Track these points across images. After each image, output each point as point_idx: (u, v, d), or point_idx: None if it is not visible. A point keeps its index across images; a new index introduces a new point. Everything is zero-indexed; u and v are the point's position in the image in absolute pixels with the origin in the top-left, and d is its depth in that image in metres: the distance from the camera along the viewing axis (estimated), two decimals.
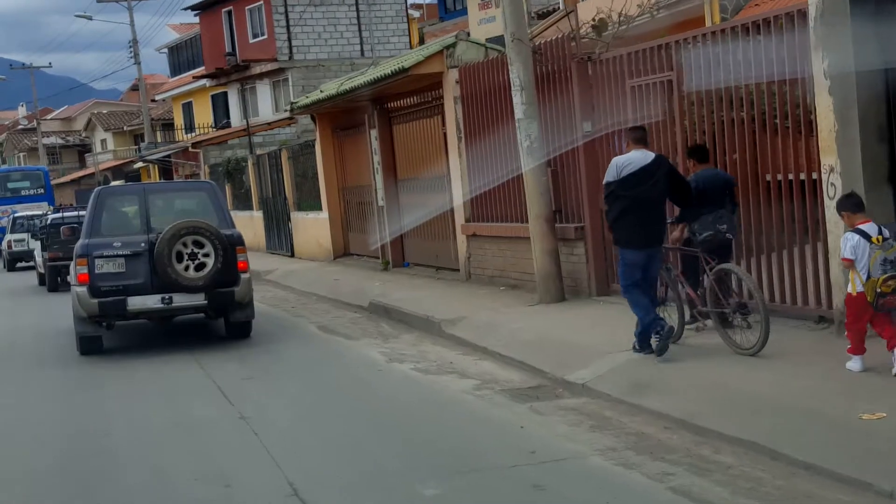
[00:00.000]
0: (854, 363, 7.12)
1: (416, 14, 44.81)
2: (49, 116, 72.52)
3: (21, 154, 68.36)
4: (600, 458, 6.25)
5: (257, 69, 37.69)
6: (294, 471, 6.46)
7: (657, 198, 8.44)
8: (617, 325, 9.56)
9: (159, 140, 46.92)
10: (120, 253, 11.36)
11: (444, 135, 15.14)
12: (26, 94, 67.44)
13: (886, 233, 7.06)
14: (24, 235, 27.29)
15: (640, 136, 8.63)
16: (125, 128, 59.21)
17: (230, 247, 11.47)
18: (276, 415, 8.24)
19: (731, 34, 9.32)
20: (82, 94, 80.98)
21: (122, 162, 54.36)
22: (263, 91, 38.64)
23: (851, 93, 7.97)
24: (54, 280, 20.65)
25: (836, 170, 8.00)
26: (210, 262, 11.35)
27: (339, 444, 7.13)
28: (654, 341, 8.33)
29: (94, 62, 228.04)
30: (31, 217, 27.58)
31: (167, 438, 7.66)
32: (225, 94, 41.82)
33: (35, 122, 62.54)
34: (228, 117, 41.04)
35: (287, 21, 36.66)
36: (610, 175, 8.50)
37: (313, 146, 21.38)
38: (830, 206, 7.96)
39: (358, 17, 37.68)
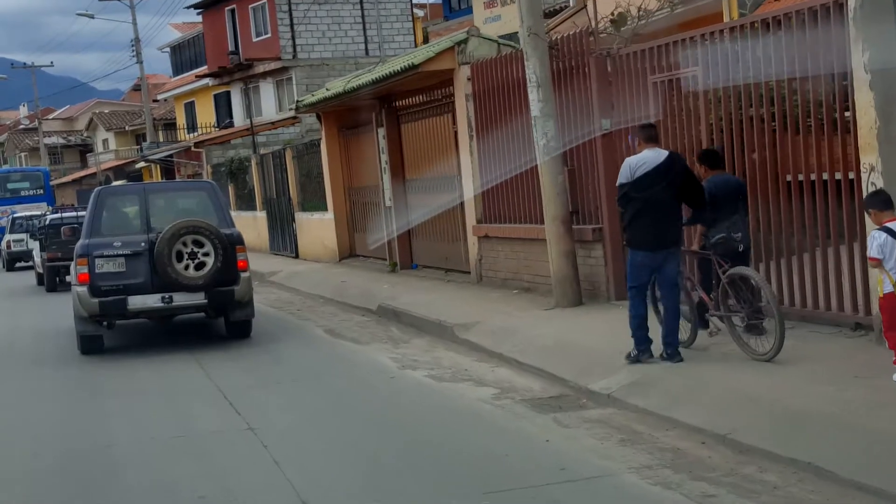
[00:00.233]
0: None
1: (420, 13, 44.39)
2: (51, 116, 72.18)
3: (22, 154, 68.06)
4: (635, 476, 5.82)
5: (261, 68, 37.28)
6: (306, 486, 6.04)
7: (672, 198, 8.15)
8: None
9: (161, 140, 46.50)
10: (120, 252, 11.35)
11: (455, 133, 14.72)
12: (27, 94, 67.17)
13: None
14: (23, 236, 27.48)
15: (651, 135, 8.33)
16: (127, 127, 58.85)
17: (230, 246, 11.46)
18: (284, 425, 7.82)
19: (762, 27, 8.91)
20: (84, 94, 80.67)
21: (123, 162, 54.03)
22: (267, 90, 38.23)
23: (894, 88, 7.55)
24: (53, 280, 20.75)
25: (876, 168, 7.57)
26: (210, 261, 11.34)
27: (353, 459, 6.70)
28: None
29: (95, 62, 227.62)
30: (30, 217, 27.81)
31: (172, 454, 7.22)
32: (228, 94, 41.42)
33: (36, 122, 62.14)
34: (231, 117, 40.64)
35: (291, 19, 36.25)
36: (623, 176, 8.21)
37: (318, 145, 20.96)
38: None
39: (363, 16, 37.27)
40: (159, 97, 52.85)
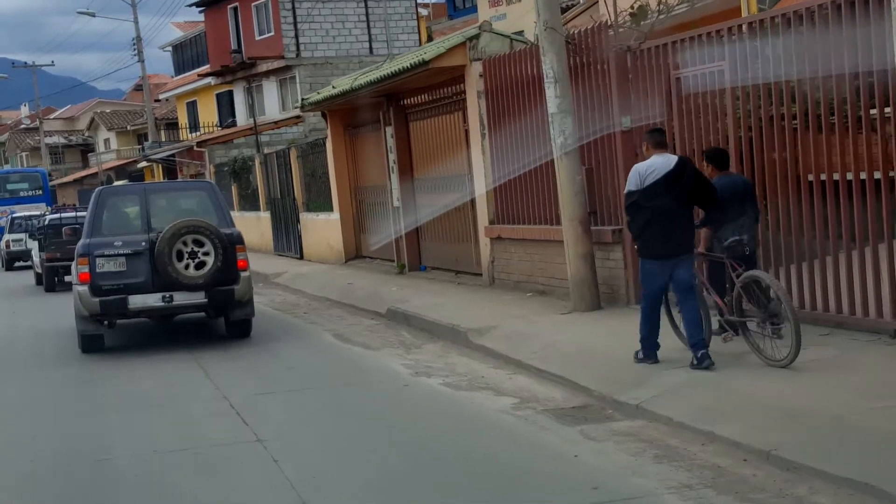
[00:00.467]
0: None
1: (423, 12, 44.00)
2: (52, 116, 71.82)
3: (24, 154, 67.71)
4: (676, 497, 5.39)
5: (264, 67, 36.86)
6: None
7: (683, 205, 7.89)
8: (664, 336, 8.66)
9: (163, 139, 46.10)
10: (121, 252, 11.40)
11: (466, 132, 14.30)
12: (28, 94, 66.77)
13: None
14: (22, 235, 27.69)
15: (659, 140, 8.08)
16: (128, 127, 58.48)
17: (230, 245, 11.51)
18: (295, 437, 7.40)
19: (794, 19, 8.49)
20: (85, 94, 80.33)
21: (125, 161, 53.71)
22: (270, 89, 37.81)
23: None
24: (51, 280, 20.81)
25: None
26: (210, 260, 11.38)
27: (368, 476, 6.25)
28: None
29: (95, 62, 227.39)
30: (29, 217, 28.11)
31: (178, 471, 6.82)
32: (230, 93, 41.01)
33: (38, 122, 61.74)
34: (234, 116, 40.22)
35: (294, 18, 35.83)
36: (632, 184, 7.95)
37: (323, 145, 20.54)
38: None
39: (367, 14, 36.86)
40: (161, 97, 52.48)
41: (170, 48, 48.26)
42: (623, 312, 10.54)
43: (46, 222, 21.40)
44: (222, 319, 12.31)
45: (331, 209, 20.23)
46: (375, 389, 8.95)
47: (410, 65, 14.37)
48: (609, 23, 11.04)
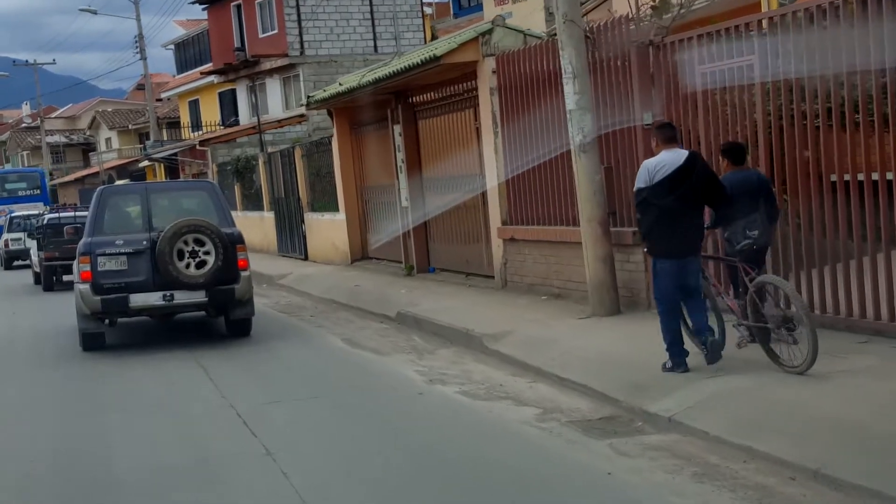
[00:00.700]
0: None
1: (427, 11, 43.61)
2: (53, 115, 71.51)
3: (25, 152, 67.39)
4: None
5: (267, 65, 36.48)
6: None
7: (694, 203, 7.60)
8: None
9: (165, 138, 45.73)
10: (122, 251, 11.47)
11: (478, 129, 13.90)
12: (30, 92, 66.48)
13: None
14: (21, 235, 27.86)
15: (670, 136, 7.80)
16: (130, 126, 58.10)
17: (230, 245, 11.58)
18: (305, 449, 6.98)
19: (831, 11, 8.08)
20: (86, 93, 80.00)
21: (127, 161, 53.36)
22: (273, 87, 37.42)
23: None
24: (50, 279, 20.87)
25: None
26: (211, 259, 11.46)
27: (385, 496, 5.85)
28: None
29: (96, 61, 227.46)
30: (28, 217, 28.37)
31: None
32: (233, 91, 40.62)
33: (39, 121, 61.37)
34: (237, 115, 39.83)
35: (298, 15, 35.44)
36: (641, 181, 7.69)
37: (329, 143, 20.13)
38: None
39: (371, 12, 36.47)
40: (163, 95, 52.14)
41: (172, 46, 47.91)
42: (644, 317, 10.12)
43: (45, 222, 21.41)
44: (222, 319, 12.34)
45: (336, 209, 19.82)
46: (388, 397, 8.53)
47: (421, 61, 13.96)
48: (630, 16, 10.64)
